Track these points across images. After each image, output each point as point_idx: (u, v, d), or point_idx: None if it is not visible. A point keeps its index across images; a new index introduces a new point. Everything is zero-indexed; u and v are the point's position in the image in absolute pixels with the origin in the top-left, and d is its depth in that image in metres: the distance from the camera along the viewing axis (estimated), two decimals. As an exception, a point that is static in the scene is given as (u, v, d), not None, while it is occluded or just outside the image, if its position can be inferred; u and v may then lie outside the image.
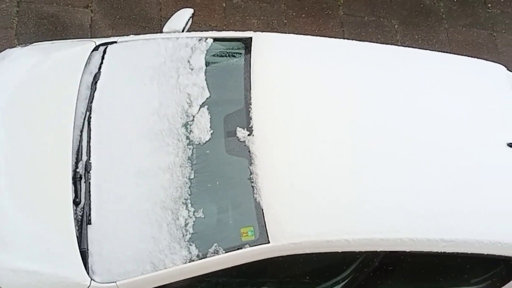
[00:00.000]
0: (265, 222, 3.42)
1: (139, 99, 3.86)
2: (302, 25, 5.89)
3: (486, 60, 4.55)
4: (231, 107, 3.81)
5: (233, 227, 3.51)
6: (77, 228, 3.50)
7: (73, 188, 3.58)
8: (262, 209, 3.45)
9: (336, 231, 3.47)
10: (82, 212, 3.54)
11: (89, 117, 3.82)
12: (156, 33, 4.39)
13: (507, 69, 4.48)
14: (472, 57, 4.70)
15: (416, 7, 6.39)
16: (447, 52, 4.74)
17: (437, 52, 4.55)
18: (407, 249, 3.57)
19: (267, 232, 3.41)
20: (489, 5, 6.64)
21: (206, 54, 4.01)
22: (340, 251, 3.49)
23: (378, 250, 3.56)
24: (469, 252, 3.65)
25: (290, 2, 6.02)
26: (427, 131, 3.85)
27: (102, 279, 3.41)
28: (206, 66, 3.96)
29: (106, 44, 4.19)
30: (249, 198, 3.49)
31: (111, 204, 3.57)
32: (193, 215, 3.50)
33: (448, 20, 6.42)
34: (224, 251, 3.42)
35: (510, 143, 3.98)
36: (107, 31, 5.45)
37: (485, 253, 3.69)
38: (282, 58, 3.95)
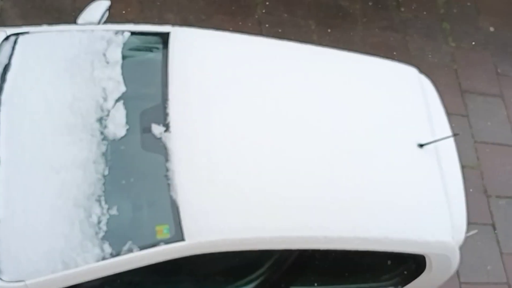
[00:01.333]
0: (180, 220, 3.40)
1: (51, 92, 3.75)
2: (220, 22, 5.90)
3: (399, 62, 4.69)
4: (147, 102, 3.77)
5: (148, 224, 3.47)
6: (-17, 225, 3.37)
7: (-21, 183, 3.45)
8: (178, 207, 3.43)
9: (252, 229, 3.49)
10: (-12, 208, 3.42)
11: (-2, 110, 3.68)
12: (70, 24, 4.28)
13: (419, 72, 4.62)
14: (384, 58, 4.83)
15: (333, 9, 6.52)
16: (362, 54, 4.85)
17: (351, 53, 4.62)
18: (322, 247, 3.64)
19: (182, 230, 3.39)
20: (402, 9, 6.86)
21: (122, 47, 3.94)
22: (256, 249, 3.52)
23: (293, 248, 3.61)
24: (381, 249, 3.76)
25: (209, -2, 6.02)
26: (338, 131, 3.92)
27: (10, 277, 3.30)
28: (123, 60, 3.89)
29: (17, 34, 4.05)
30: (165, 195, 3.46)
31: (21, 200, 3.46)
32: (107, 212, 3.44)
33: (363, 22, 6.57)
34: (138, 249, 3.38)
35: (421, 144, 4.12)
36: (17, 21, 5.28)
37: (395, 250, 3.81)
38: (200, 54, 3.94)
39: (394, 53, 6.45)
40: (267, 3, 6.23)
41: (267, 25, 6.09)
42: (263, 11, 6.18)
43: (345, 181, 3.77)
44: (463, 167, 4.43)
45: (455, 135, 4.27)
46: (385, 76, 4.38)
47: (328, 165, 3.78)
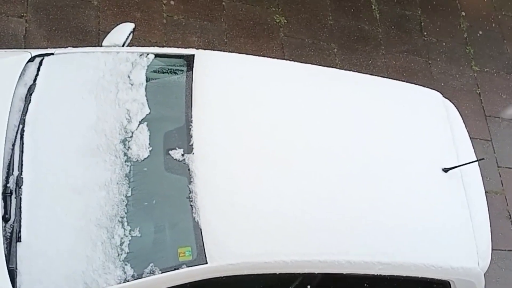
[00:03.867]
0: (203, 242, 3.40)
1: (76, 113, 3.79)
2: (243, 45, 5.93)
3: (422, 86, 4.68)
4: (171, 124, 3.79)
5: (170, 247, 3.47)
6: (5, 245, 3.39)
7: (3, 203, 3.47)
8: (201, 229, 3.43)
9: (274, 253, 3.48)
10: (11, 229, 3.44)
11: (22, 130, 3.72)
12: (95, 46, 4.33)
13: (443, 96, 4.61)
14: (407, 82, 4.82)
15: (355, 33, 6.53)
16: (384, 77, 4.84)
17: (375, 77, 4.64)
18: (345, 271, 3.61)
19: (205, 253, 3.39)
20: (425, 33, 6.85)
21: (147, 69, 3.98)
22: (278, 272, 3.50)
23: (316, 272, 3.58)
24: (404, 274, 3.72)
25: (231, 22, 6.05)
26: (363, 155, 3.91)
27: (32, 298, 3.31)
28: (147, 82, 3.93)
29: (43, 55, 4.11)
30: (188, 218, 3.46)
31: (43, 221, 3.48)
32: (129, 234, 3.45)
33: (385, 46, 6.57)
34: (160, 271, 3.37)
35: (445, 168, 4.09)
36: (42, 42, 5.34)
37: (420, 276, 3.77)
38: (224, 77, 3.96)
39: (417, 77, 6.45)
40: (290, 26, 6.26)
41: (289, 48, 6.12)
42: (286, 34, 6.21)
43: (369, 206, 3.75)
44: (487, 192, 4.39)
45: (480, 160, 4.23)
46: (409, 100, 4.37)
47: (352, 189, 3.76)
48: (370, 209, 3.74)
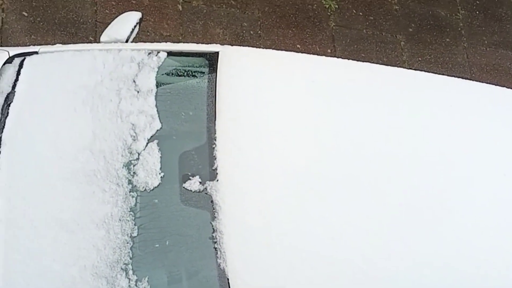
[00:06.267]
0: (231, 297, 3.40)
1: (66, 129, 3.83)
2: (282, 38, 5.96)
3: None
4: (189, 142, 3.81)
5: (188, 303, 3.48)
6: (-24, 300, 3.43)
7: (-27, 244, 3.52)
8: (228, 279, 3.42)
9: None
10: (-16, 277, 3.47)
11: (-3, 151, 3.76)
12: (91, 42, 4.38)
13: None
14: (498, 85, 4.78)
15: (428, 20, 6.52)
16: (467, 79, 4.81)
17: (456, 78, 4.61)
18: None
19: (233, 310, 3.39)
20: (520, 19, 6.82)
21: (157, 72, 4.01)
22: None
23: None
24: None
25: (266, 8, 6.09)
26: (446, 181, 3.88)
27: None
28: (157, 88, 3.96)
29: (24, 55, 4.16)
30: (211, 264, 3.46)
31: (24, 267, 3.50)
32: (136, 285, 3.45)
33: (468, 38, 6.54)
34: (175, 335, 3.39)
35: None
36: (24, 37, 5.42)
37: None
38: (257, 80, 3.98)
39: (511, 77, 6.39)
40: (343, 12, 6.27)
41: (342, 42, 6.12)
42: (337, 23, 6.22)
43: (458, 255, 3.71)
44: None
45: None
46: (500, 108, 4.33)
47: (435, 230, 3.73)
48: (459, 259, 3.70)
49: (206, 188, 3.63)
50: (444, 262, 3.69)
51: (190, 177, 3.68)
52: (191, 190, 3.65)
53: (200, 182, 3.65)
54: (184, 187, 3.67)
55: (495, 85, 4.71)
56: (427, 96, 4.25)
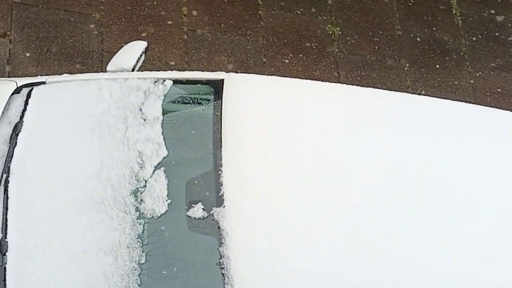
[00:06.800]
0: (239, 324, 3.39)
1: (74, 158, 3.83)
2: (286, 64, 5.96)
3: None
4: (195, 169, 3.81)
5: (196, 330, 3.47)
6: (-14, 329, 3.44)
7: (-18, 275, 3.52)
8: (236, 305, 3.41)
9: None
10: (-7, 307, 3.48)
11: (6, 181, 3.78)
12: (98, 71, 4.39)
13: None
14: (504, 109, 4.77)
15: (431, 45, 6.52)
16: (471, 103, 4.81)
17: (458, 102, 4.60)
18: None
19: (242, 337, 3.38)
20: (522, 43, 6.82)
21: (163, 100, 4.02)
22: None
23: None
24: None
25: (270, 36, 6.09)
26: (458, 213, 3.85)
27: None
28: (164, 115, 3.97)
29: (31, 85, 4.18)
30: (219, 291, 3.45)
31: (33, 296, 3.49)
32: (144, 312, 3.46)
33: (471, 62, 6.54)
34: None
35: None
36: (31, 68, 5.44)
37: None
38: (262, 107, 3.99)
39: (514, 100, 6.39)
40: (346, 39, 6.28)
41: (346, 67, 6.12)
42: (341, 49, 6.23)
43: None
44: None
45: None
46: (509, 134, 4.32)
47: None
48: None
49: (213, 215, 3.64)
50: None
51: (193, 205, 3.69)
52: (198, 216, 3.66)
53: (208, 209, 3.66)
54: (191, 214, 3.68)
55: (500, 108, 4.71)
56: (440, 119, 4.24)
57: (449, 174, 3.99)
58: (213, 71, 4.27)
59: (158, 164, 3.81)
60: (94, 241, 3.61)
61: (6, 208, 3.70)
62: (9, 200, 3.72)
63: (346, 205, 3.75)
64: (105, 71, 4.31)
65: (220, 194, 3.67)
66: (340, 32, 6.32)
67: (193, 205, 3.69)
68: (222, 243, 3.54)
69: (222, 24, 6.04)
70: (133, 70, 4.29)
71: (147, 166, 3.81)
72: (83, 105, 4.03)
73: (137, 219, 3.67)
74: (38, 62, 5.48)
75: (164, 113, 3.99)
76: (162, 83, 4.09)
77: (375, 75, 6.18)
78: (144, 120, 3.96)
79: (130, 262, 3.56)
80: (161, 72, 4.25)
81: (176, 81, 4.14)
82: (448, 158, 4.05)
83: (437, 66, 6.41)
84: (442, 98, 4.55)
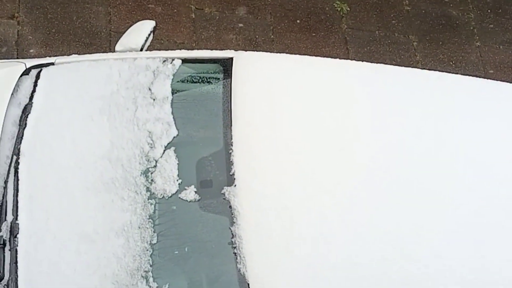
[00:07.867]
0: (251, 302, 3.39)
1: (84, 138, 3.83)
2: (295, 42, 5.95)
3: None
4: (205, 148, 3.81)
5: (209, 308, 3.47)
6: (-1, 311, 3.44)
7: (-6, 258, 3.53)
8: (248, 284, 3.41)
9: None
10: (6, 289, 3.48)
11: (17, 163, 3.77)
12: (106, 52, 4.38)
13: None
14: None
15: (440, 20, 6.49)
16: (481, 77, 4.78)
17: (470, 77, 4.59)
18: None
19: (254, 315, 3.38)
20: (533, 16, 6.78)
21: (172, 79, 4.01)
22: None
23: None
24: None
25: (278, 12, 6.08)
26: (467, 189, 3.82)
27: None
28: (173, 95, 3.96)
29: (40, 66, 4.17)
30: (231, 269, 3.45)
31: (45, 278, 3.50)
32: (156, 292, 3.45)
33: (481, 36, 6.51)
34: None
35: None
36: (40, 49, 5.44)
37: None
38: (272, 85, 3.96)
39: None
40: (355, 15, 6.26)
41: (355, 44, 6.10)
42: (350, 25, 6.21)
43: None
44: None
45: None
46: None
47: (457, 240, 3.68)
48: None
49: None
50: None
51: (208, 183, 3.67)
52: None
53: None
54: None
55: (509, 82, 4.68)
56: (450, 94, 4.21)
57: (459, 144, 3.98)
58: (221, 49, 4.25)
59: (168, 144, 3.80)
60: (105, 222, 3.61)
61: (16, 190, 3.70)
62: (19, 182, 3.72)
63: (357, 182, 3.73)
64: (114, 51, 4.30)
65: (231, 173, 3.65)
66: (348, 8, 6.30)
67: (205, 184, 3.67)
68: (234, 222, 3.53)
69: (230, 2, 6.01)
70: (141, 49, 4.28)
71: (157, 146, 3.80)
72: (92, 86, 4.03)
73: (148, 199, 3.66)
74: (47, 43, 5.48)
75: (173, 92, 3.98)
76: (171, 63, 4.08)
77: (384, 51, 6.17)
78: (154, 100, 3.95)
79: (141, 243, 3.55)
80: (169, 51, 4.24)
81: (185, 60, 4.12)
82: (458, 128, 4.05)
83: (446, 41, 6.39)
84: (452, 72, 4.51)
